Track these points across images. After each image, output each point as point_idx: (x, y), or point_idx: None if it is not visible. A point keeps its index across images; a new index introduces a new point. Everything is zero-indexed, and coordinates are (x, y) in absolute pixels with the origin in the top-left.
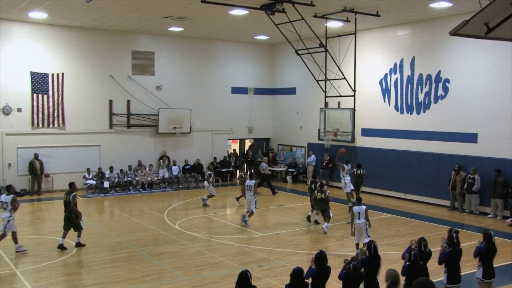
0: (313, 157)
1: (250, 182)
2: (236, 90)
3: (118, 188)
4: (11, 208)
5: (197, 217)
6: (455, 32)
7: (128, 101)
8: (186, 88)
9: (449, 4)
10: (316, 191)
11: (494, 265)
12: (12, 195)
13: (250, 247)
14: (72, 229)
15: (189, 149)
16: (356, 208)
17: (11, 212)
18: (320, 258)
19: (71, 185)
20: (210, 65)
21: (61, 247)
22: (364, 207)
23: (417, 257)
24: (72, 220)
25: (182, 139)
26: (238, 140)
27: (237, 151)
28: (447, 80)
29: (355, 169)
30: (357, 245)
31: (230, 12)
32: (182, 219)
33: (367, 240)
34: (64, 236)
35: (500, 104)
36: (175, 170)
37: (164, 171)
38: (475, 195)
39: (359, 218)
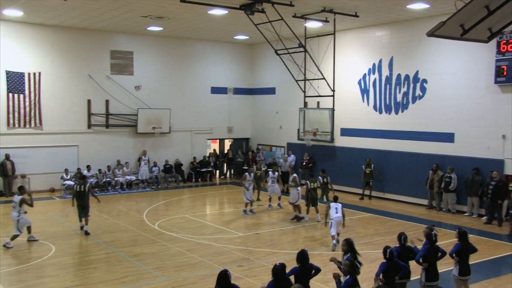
0: (292, 157)
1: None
2: (215, 90)
3: (96, 189)
4: (20, 209)
5: (177, 218)
6: (432, 33)
7: (107, 101)
8: (165, 88)
9: (426, 6)
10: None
11: (470, 263)
12: (21, 196)
13: (230, 247)
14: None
15: (168, 149)
16: (333, 204)
17: (19, 212)
18: (302, 257)
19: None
20: (189, 65)
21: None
22: (340, 204)
23: (392, 253)
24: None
25: (161, 139)
26: (218, 140)
27: (217, 151)
28: (425, 81)
29: (320, 177)
30: (333, 236)
31: (210, 12)
32: (161, 220)
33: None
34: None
35: (476, 104)
36: (155, 170)
37: (145, 171)
38: (452, 194)
39: (336, 213)
